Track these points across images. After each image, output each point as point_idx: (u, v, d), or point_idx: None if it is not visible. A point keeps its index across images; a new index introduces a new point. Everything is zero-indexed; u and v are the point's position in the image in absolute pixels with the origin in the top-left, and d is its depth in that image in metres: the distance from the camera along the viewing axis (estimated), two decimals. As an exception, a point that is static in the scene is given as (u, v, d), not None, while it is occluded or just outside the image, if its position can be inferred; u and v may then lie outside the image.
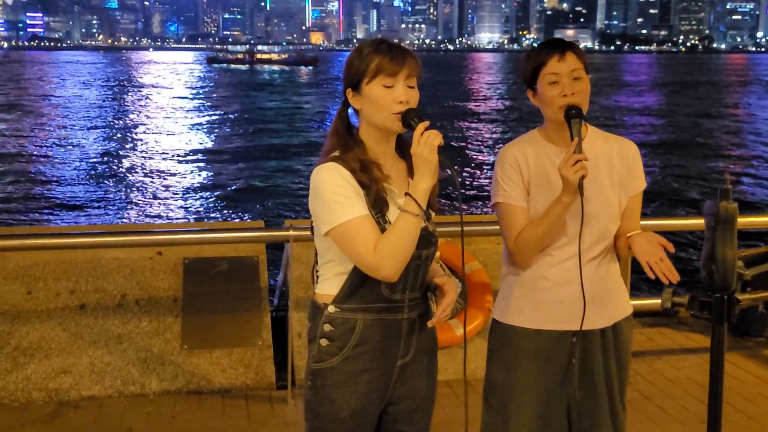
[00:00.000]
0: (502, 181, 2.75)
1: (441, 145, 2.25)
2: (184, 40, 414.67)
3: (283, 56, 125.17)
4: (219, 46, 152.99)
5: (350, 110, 2.42)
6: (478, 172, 24.16)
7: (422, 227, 2.31)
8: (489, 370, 2.90)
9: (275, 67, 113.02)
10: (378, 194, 2.32)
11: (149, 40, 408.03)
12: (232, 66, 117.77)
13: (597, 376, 2.77)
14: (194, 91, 62.06)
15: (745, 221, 5.36)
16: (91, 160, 26.12)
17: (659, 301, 5.43)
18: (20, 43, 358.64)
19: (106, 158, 26.79)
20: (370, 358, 2.36)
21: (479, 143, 31.18)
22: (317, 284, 2.43)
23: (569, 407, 2.79)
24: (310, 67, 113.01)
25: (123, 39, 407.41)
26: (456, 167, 2.29)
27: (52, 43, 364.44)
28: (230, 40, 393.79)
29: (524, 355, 2.78)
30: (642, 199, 2.85)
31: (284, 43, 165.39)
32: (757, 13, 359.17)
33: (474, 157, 27.70)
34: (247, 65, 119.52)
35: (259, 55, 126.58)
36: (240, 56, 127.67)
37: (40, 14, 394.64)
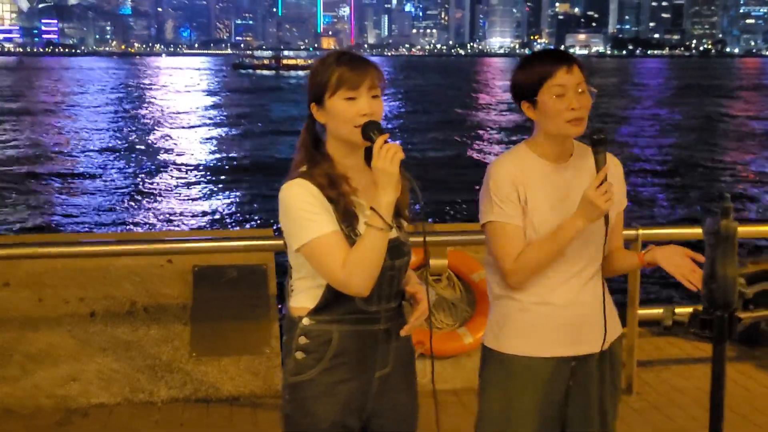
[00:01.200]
0: (497, 198, 2.62)
1: (402, 159, 2.23)
2: (196, 45, 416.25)
3: (309, 62, 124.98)
4: (247, 52, 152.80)
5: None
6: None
7: (393, 238, 2.32)
8: (484, 400, 2.78)
9: (301, 73, 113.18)
10: (347, 208, 2.31)
11: (162, 46, 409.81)
12: (258, 71, 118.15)
13: (592, 400, 2.70)
14: (214, 97, 62.27)
15: (747, 230, 5.31)
16: (103, 167, 26.23)
17: (661, 310, 5.41)
18: (35, 50, 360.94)
19: (118, 165, 26.91)
20: (348, 369, 2.35)
21: (483, 154, 31.10)
22: (291, 298, 2.43)
23: (563, 430, 2.73)
24: None
25: (136, 45, 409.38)
26: (418, 182, 2.28)
27: (67, 50, 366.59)
28: (242, 45, 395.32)
29: (523, 384, 2.67)
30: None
31: (310, 49, 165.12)
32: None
33: (479, 166, 27.65)
34: (273, 71, 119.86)
35: (285, 61, 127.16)
36: (266, 62, 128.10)
37: (55, 21, 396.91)
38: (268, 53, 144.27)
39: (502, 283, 2.71)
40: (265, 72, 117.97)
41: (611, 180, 2.55)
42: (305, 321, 2.34)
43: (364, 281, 2.24)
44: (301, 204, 2.27)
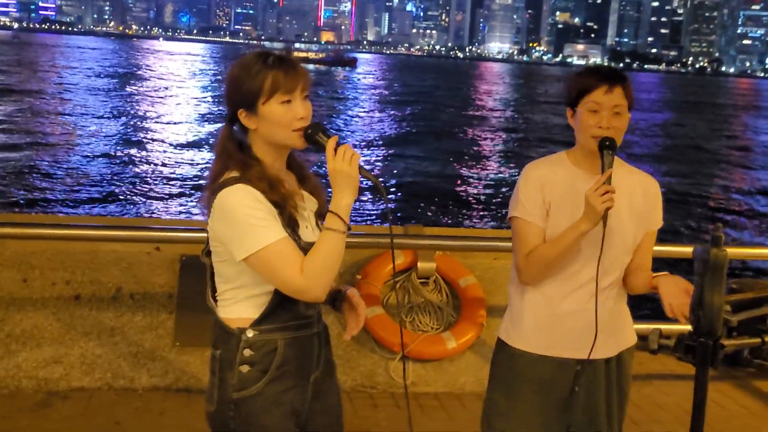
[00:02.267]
0: (524, 196, 2.74)
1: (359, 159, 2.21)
2: (195, 32, 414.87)
3: (320, 55, 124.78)
4: (255, 42, 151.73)
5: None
6: (476, 186, 24.15)
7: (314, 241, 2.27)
8: (491, 390, 2.90)
9: (311, 66, 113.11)
10: (290, 212, 2.25)
11: (160, 30, 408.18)
12: None
13: (599, 406, 2.78)
14: (211, 85, 62.04)
15: (735, 252, 5.35)
16: (96, 150, 26.12)
17: (648, 326, 5.46)
18: (31, 25, 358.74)
19: (111, 148, 26.81)
20: (291, 377, 2.31)
21: (478, 159, 31.15)
22: (223, 308, 2.31)
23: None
24: (348, 68, 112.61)
25: (134, 27, 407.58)
26: (380, 180, 2.27)
27: (63, 27, 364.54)
28: (241, 34, 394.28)
29: (528, 380, 2.78)
30: (655, 236, 2.88)
31: (322, 43, 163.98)
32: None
33: (471, 171, 27.69)
34: None
35: (296, 53, 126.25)
36: (277, 53, 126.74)
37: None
38: (279, 44, 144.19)
39: (518, 280, 2.83)
40: None
41: (642, 198, 2.74)
42: (249, 333, 2.25)
43: (324, 287, 2.18)
44: (248, 210, 2.16)
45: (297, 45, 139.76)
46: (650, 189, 2.82)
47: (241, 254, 2.17)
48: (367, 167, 2.31)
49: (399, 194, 21.08)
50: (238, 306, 2.28)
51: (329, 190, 2.31)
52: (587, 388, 2.76)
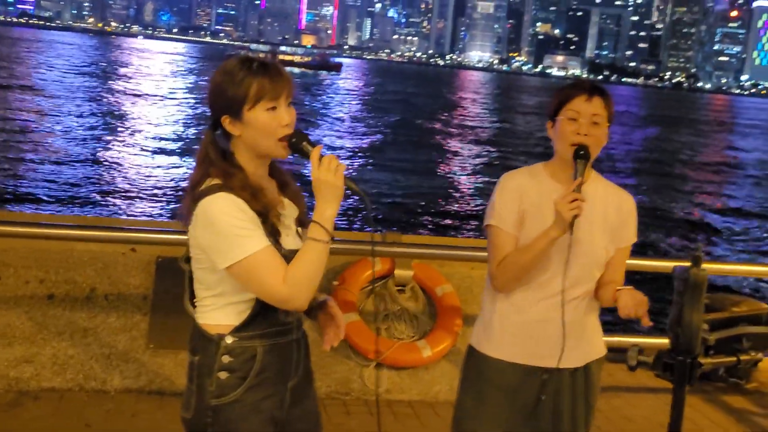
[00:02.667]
0: (499, 205, 2.78)
1: (344, 169, 2.21)
2: (175, 31, 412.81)
3: (306, 59, 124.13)
4: (238, 43, 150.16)
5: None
6: (454, 195, 24.23)
7: (297, 249, 2.26)
8: (461, 393, 2.95)
9: (296, 70, 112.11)
10: (273, 222, 2.24)
11: (140, 28, 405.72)
12: None
13: (564, 415, 2.81)
14: (190, 86, 61.71)
15: (711, 268, 5.42)
16: (72, 149, 25.88)
17: (623, 339, 5.47)
18: (9, 19, 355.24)
19: (87, 147, 26.58)
20: (270, 384, 2.30)
21: (457, 168, 31.25)
22: (202, 314, 2.30)
23: None
24: (333, 73, 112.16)
25: (113, 24, 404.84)
26: (364, 191, 2.27)
27: (42, 22, 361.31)
28: (221, 35, 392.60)
29: (496, 386, 2.83)
30: (629, 252, 2.90)
31: (308, 47, 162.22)
32: (744, 56, 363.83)
33: (449, 180, 27.77)
34: None
35: (281, 57, 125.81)
36: (262, 56, 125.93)
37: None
38: (265, 47, 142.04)
39: (491, 287, 2.86)
40: None
41: (616, 213, 2.77)
42: (228, 339, 2.24)
43: (307, 296, 2.18)
44: (232, 219, 2.14)
45: (282, 48, 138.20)
46: (624, 204, 2.85)
47: (224, 263, 2.16)
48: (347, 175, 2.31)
49: (377, 202, 21.09)
50: (218, 313, 2.27)
51: (310, 197, 2.31)
52: (553, 397, 2.80)
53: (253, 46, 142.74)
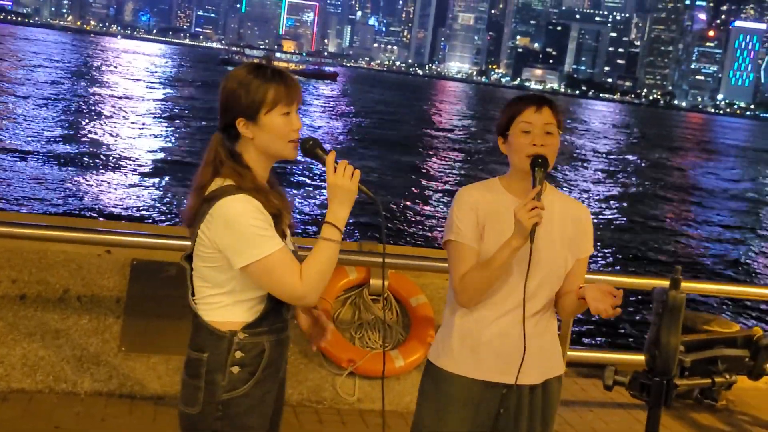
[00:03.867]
0: (457, 219, 2.77)
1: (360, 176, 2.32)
2: (154, 32, 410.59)
3: (300, 67, 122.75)
4: (235, 48, 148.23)
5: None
6: (431, 206, 24.27)
7: (290, 250, 2.38)
8: (418, 411, 2.90)
9: None
10: (282, 226, 2.36)
11: (119, 28, 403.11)
12: None
13: (520, 431, 2.80)
14: (168, 86, 61.30)
15: (688, 286, 5.48)
16: (47, 148, 25.64)
17: (596, 354, 5.50)
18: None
19: (63, 147, 26.34)
20: (272, 378, 2.42)
21: (434, 179, 31.33)
22: (209, 311, 2.36)
23: None
24: (329, 82, 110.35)
25: (92, 23, 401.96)
26: (376, 197, 2.37)
27: (20, 18, 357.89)
28: (201, 37, 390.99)
29: (455, 401, 2.79)
30: (587, 263, 2.92)
31: (304, 54, 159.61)
32: (720, 75, 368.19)
33: (426, 191, 27.83)
34: None
35: (276, 63, 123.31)
36: (256, 61, 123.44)
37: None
38: (259, 53, 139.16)
39: (453, 302, 2.84)
40: None
41: (573, 225, 2.78)
42: (241, 335, 2.33)
43: (319, 293, 2.31)
44: (252, 220, 2.25)
45: (277, 54, 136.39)
46: (581, 216, 2.86)
47: (242, 262, 2.26)
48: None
49: (354, 210, 21.04)
50: (227, 310, 2.35)
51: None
52: (512, 414, 2.78)
53: (248, 51, 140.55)
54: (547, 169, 2.66)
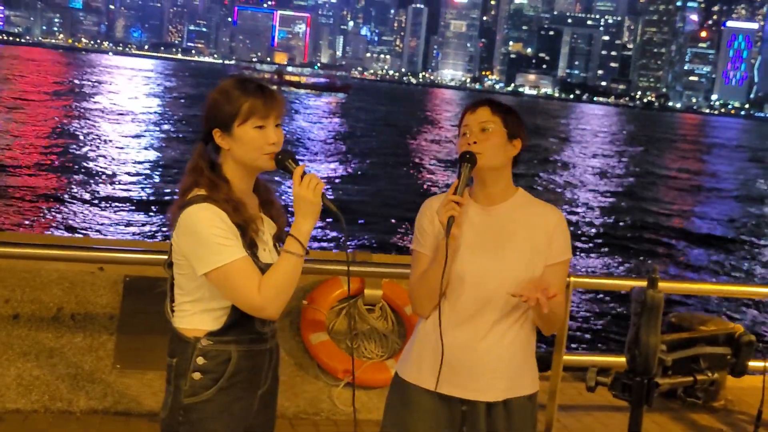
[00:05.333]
0: (417, 229, 2.82)
1: (323, 189, 2.34)
2: (146, 47, 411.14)
3: (312, 80, 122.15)
4: (245, 63, 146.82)
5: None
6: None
7: (272, 262, 2.38)
8: (383, 421, 2.84)
9: (301, 91, 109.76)
10: (251, 235, 2.37)
11: (111, 44, 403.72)
12: None
13: None
14: (160, 102, 61.32)
15: (670, 287, 5.47)
16: (39, 166, 25.61)
17: (592, 358, 5.47)
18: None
19: (54, 165, 26.31)
20: (241, 388, 2.41)
21: (429, 188, 31.36)
22: (180, 319, 2.43)
23: None
24: (341, 95, 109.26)
25: (84, 40, 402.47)
26: (338, 210, 2.36)
27: (11, 38, 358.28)
28: (193, 52, 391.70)
29: (413, 412, 2.73)
30: (566, 269, 2.76)
31: (316, 67, 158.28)
32: (714, 76, 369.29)
33: (423, 200, 27.83)
34: (275, 86, 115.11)
35: (288, 77, 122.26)
36: (267, 76, 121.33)
37: (2, 7, 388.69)
38: (271, 67, 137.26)
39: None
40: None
41: (542, 231, 2.68)
42: (203, 342, 2.36)
43: (279, 306, 2.32)
44: (213, 228, 2.28)
45: (290, 69, 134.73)
46: (549, 220, 2.72)
47: (203, 269, 2.30)
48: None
49: (347, 220, 21.04)
50: (195, 317, 2.39)
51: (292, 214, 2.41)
52: (471, 431, 2.69)
53: (258, 65, 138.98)
54: (473, 164, 2.62)
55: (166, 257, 4.55)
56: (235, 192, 2.38)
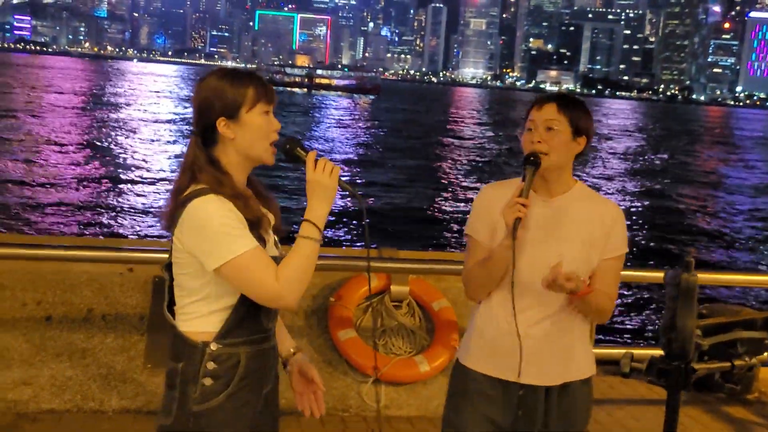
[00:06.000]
0: (473, 216, 2.84)
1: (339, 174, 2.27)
2: (170, 53, 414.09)
3: (342, 82, 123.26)
4: (275, 67, 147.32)
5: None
6: (454, 210, 24.23)
7: (275, 256, 2.29)
8: (445, 407, 2.92)
9: (332, 93, 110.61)
10: (259, 229, 2.27)
11: (135, 51, 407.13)
12: (289, 89, 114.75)
13: None
14: (183, 106, 61.73)
15: (705, 277, 5.42)
16: (68, 170, 25.89)
17: (613, 350, 5.44)
18: (5, 45, 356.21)
19: (83, 168, 26.59)
20: (249, 390, 2.32)
21: (453, 183, 31.29)
22: (185, 322, 2.30)
23: None
24: (371, 96, 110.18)
25: (109, 48, 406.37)
26: (360, 194, 2.32)
27: (38, 47, 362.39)
28: (216, 57, 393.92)
29: (471, 397, 2.80)
30: (621, 263, 2.79)
31: (345, 69, 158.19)
32: (738, 67, 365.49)
33: (448, 196, 27.78)
34: (306, 89, 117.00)
35: (318, 80, 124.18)
36: (298, 80, 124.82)
37: (29, 17, 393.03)
38: (301, 71, 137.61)
39: None
40: (297, 90, 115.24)
41: (599, 225, 2.71)
42: (213, 346, 2.25)
43: (297, 294, 2.21)
44: (223, 219, 2.17)
45: (319, 71, 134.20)
46: (607, 215, 2.76)
47: (215, 263, 2.17)
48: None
49: (373, 216, 21.10)
50: (201, 320, 2.28)
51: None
52: (526, 415, 2.74)
53: (289, 70, 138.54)
54: (537, 166, 2.65)
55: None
56: (238, 186, 2.28)
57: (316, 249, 2.24)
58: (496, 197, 2.76)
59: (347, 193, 2.33)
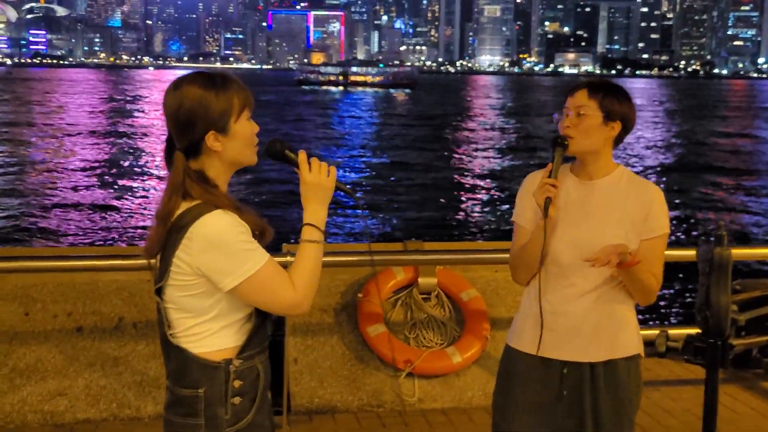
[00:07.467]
0: (518, 202, 2.96)
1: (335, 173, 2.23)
2: (185, 59, 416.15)
3: (377, 79, 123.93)
4: (310, 67, 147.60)
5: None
6: (478, 200, 24.15)
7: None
8: (495, 390, 3.02)
9: (369, 90, 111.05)
10: (261, 237, 2.20)
11: (150, 59, 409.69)
12: (323, 87, 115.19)
13: (584, 412, 2.80)
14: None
15: (738, 252, 5.35)
16: (92, 179, 26.12)
17: (647, 331, 5.42)
18: (23, 60, 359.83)
19: (108, 177, 26.81)
20: (267, 399, 2.27)
21: (477, 172, 31.19)
22: (196, 343, 2.16)
23: None
24: (407, 90, 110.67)
25: (124, 57, 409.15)
26: (351, 190, 2.31)
27: (55, 60, 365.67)
28: (231, 59, 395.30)
29: (517, 377, 2.90)
30: (663, 243, 2.81)
31: (381, 65, 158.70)
32: (759, 39, 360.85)
33: (472, 185, 27.70)
34: (342, 87, 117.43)
35: (353, 77, 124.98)
36: (333, 78, 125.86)
37: (44, 32, 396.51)
38: (336, 69, 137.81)
39: None
40: (333, 88, 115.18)
41: (637, 206, 2.77)
42: (236, 362, 2.15)
43: (311, 299, 2.18)
44: (237, 235, 2.08)
45: (354, 69, 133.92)
46: (645, 196, 2.81)
47: (235, 280, 2.08)
48: (344, 182, 2.35)
49: (398, 209, 21.08)
50: (215, 338, 2.17)
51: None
52: (572, 392, 2.81)
53: (323, 68, 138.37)
54: (564, 148, 2.76)
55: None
56: (232, 197, 2.18)
57: (321, 251, 2.21)
58: (537, 183, 2.83)
59: (343, 192, 2.29)
